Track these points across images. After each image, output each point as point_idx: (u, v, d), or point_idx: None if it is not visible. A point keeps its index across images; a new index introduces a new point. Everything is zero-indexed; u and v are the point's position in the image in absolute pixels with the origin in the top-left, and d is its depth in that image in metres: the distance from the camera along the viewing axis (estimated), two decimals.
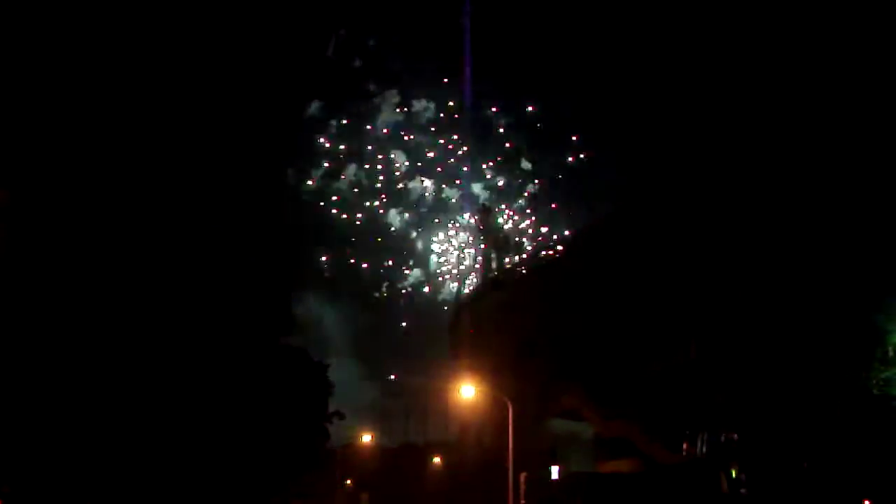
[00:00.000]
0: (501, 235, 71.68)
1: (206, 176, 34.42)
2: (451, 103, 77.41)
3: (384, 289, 79.70)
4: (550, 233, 74.48)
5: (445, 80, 75.98)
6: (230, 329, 34.08)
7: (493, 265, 68.52)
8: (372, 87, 79.38)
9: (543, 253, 64.26)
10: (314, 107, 78.33)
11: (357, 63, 78.44)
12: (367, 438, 61.20)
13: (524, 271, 59.42)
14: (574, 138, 74.64)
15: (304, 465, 45.10)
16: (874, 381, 28.49)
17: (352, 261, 78.10)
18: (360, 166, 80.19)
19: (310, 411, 43.84)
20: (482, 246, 73.08)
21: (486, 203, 77.04)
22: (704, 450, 35.52)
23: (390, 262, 79.03)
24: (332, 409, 50.01)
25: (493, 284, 63.60)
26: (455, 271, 78.47)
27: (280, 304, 40.04)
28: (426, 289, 78.60)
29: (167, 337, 30.91)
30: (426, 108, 79.27)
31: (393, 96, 79.98)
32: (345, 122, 78.80)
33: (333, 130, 79.74)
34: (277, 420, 37.76)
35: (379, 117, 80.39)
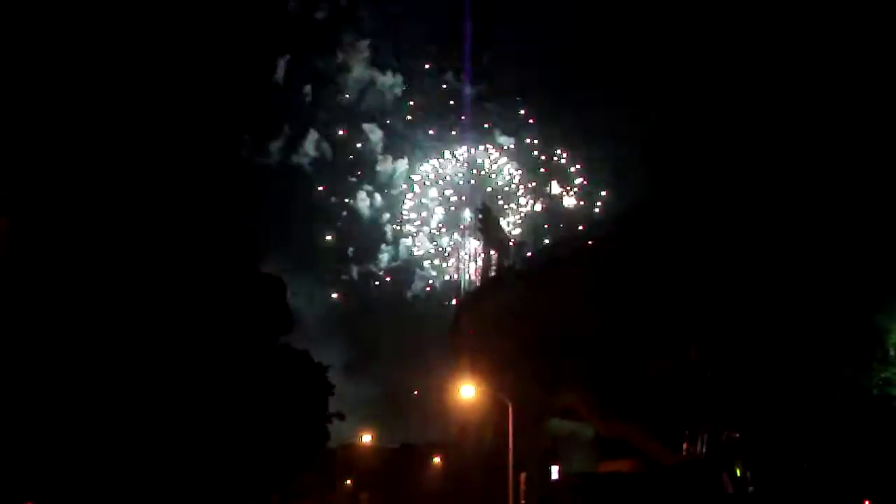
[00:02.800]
0: (501, 236, 71.60)
1: (187, 167, 34.01)
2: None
3: (354, 272, 77.68)
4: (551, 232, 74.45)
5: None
6: (229, 329, 34.03)
7: (493, 265, 68.48)
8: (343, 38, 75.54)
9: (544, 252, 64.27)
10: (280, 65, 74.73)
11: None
12: (367, 438, 61.18)
13: (524, 272, 59.41)
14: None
15: (305, 465, 45.07)
16: (874, 381, 28.49)
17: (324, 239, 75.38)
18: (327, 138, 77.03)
19: (310, 411, 43.78)
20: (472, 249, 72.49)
21: (486, 202, 76.86)
22: (705, 450, 35.49)
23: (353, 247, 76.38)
24: (332, 409, 49.96)
25: (494, 285, 63.58)
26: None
27: (279, 304, 39.98)
28: (387, 278, 76.77)
29: (167, 338, 30.88)
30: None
31: (363, 49, 76.56)
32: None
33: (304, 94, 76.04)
34: (277, 420, 37.74)
35: (349, 77, 76.93)
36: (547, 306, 47.65)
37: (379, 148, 78.13)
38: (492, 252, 68.68)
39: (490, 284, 65.07)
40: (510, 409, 35.90)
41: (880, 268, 29.26)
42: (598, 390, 41.70)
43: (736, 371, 33.06)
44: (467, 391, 41.26)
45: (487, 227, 70.37)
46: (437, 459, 62.08)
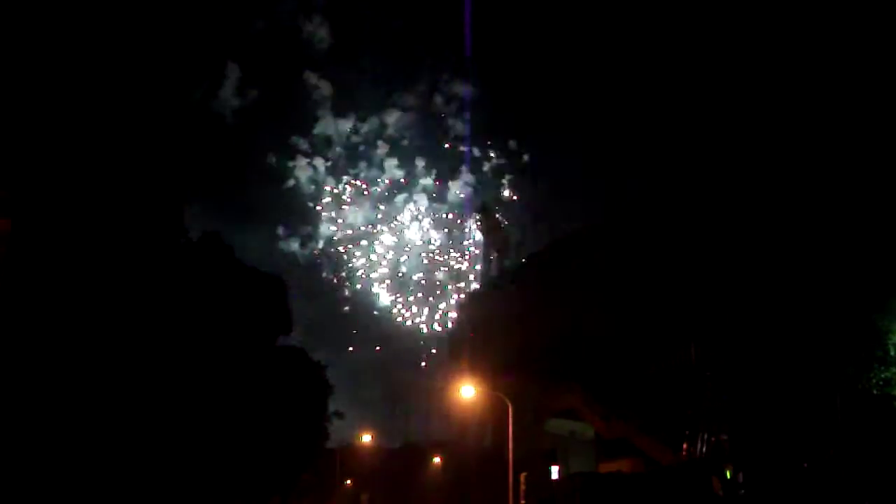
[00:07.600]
0: (502, 236, 71.61)
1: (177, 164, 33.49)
2: None
3: (295, 247, 74.12)
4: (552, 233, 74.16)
5: None
6: (228, 329, 34.03)
7: (494, 266, 68.51)
8: None
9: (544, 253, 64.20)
10: None
11: None
12: (367, 438, 61.26)
13: (525, 272, 59.45)
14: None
15: (304, 465, 45.11)
16: (874, 381, 28.44)
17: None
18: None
19: (309, 411, 43.83)
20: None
21: (486, 203, 76.84)
22: (704, 450, 35.48)
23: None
24: (331, 408, 50.05)
25: (494, 285, 63.64)
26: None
27: (279, 304, 39.99)
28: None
29: (167, 338, 30.87)
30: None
31: None
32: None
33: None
34: (277, 420, 37.77)
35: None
36: (547, 306, 47.70)
37: (321, 102, 71.61)
38: (492, 252, 68.73)
39: (491, 284, 65.11)
40: (510, 409, 35.92)
41: (880, 268, 29.24)
42: (598, 390, 41.69)
43: (735, 371, 33.05)
44: (467, 391, 41.29)
45: (488, 227, 70.40)
46: (437, 459, 62.11)
